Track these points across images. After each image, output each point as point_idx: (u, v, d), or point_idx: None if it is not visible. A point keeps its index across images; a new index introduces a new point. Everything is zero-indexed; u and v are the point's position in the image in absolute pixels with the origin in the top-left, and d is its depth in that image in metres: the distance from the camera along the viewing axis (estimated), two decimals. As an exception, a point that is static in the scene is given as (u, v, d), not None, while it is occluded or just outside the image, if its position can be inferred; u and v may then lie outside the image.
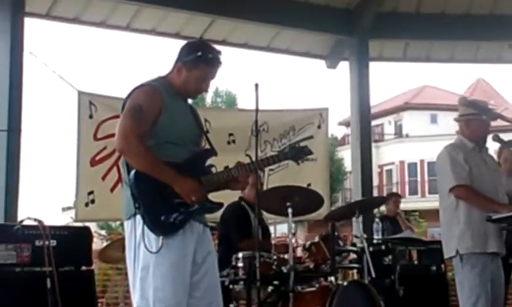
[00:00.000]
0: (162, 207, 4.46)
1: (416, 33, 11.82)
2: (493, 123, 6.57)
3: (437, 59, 13.16)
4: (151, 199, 4.43)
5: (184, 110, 4.82)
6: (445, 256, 6.40)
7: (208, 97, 34.92)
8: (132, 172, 4.44)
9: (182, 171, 4.54)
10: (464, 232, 6.10)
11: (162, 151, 4.53)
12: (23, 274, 6.49)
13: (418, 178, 42.67)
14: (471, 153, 6.31)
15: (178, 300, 4.43)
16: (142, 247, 4.43)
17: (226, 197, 5.29)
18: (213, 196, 4.75)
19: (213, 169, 4.80)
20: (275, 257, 6.77)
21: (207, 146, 4.92)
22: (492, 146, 6.78)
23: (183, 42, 4.98)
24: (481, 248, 6.06)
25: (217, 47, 4.94)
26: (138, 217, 4.44)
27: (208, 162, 4.80)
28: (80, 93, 9.71)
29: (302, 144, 5.04)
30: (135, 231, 4.46)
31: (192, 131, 4.82)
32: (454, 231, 6.18)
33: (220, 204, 4.79)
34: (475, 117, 6.39)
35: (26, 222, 6.68)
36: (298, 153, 4.98)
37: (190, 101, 5.02)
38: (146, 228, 4.41)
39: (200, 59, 4.73)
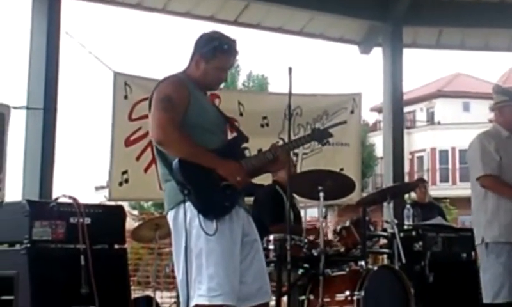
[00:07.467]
0: (211, 190, 4.48)
1: (451, 20, 11.77)
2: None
3: (471, 46, 13.11)
4: (200, 183, 4.44)
5: (206, 100, 4.90)
6: (475, 243, 6.40)
7: (240, 81, 34.89)
8: (175, 161, 4.45)
9: (221, 155, 4.59)
10: (490, 221, 6.11)
11: (198, 138, 4.56)
12: (57, 251, 6.53)
13: (450, 166, 42.36)
14: (505, 142, 6.27)
15: (231, 286, 4.44)
16: (194, 234, 4.44)
17: (262, 181, 5.33)
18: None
19: (246, 152, 4.84)
20: (306, 240, 6.81)
21: (235, 134, 4.96)
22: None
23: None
24: (507, 238, 6.06)
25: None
26: (187, 203, 4.44)
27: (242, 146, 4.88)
28: (115, 74, 9.77)
29: (329, 126, 5.36)
30: (185, 217, 4.45)
31: (219, 119, 4.87)
32: (481, 219, 6.19)
33: (260, 186, 4.88)
34: (508, 104, 6.36)
35: (61, 200, 6.74)
36: (321, 136, 5.20)
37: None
38: (198, 212, 4.41)
39: (217, 49, 4.75)
